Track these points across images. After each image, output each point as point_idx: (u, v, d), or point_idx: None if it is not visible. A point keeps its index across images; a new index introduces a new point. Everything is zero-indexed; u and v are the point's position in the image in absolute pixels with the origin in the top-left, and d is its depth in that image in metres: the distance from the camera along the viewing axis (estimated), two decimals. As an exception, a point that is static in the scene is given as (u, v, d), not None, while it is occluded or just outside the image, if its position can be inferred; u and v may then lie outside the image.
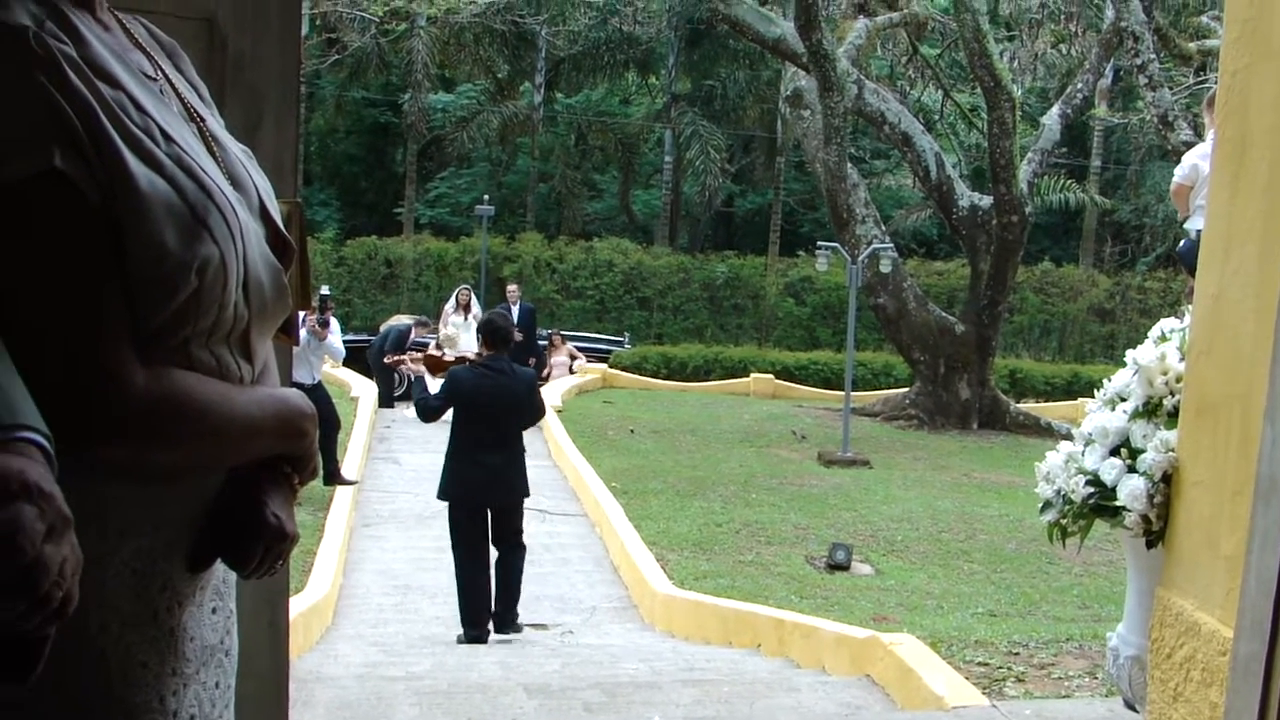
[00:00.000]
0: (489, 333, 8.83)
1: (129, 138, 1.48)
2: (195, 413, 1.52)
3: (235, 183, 1.66)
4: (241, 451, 1.63)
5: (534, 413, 8.97)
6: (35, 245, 1.40)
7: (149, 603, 1.55)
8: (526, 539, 9.53)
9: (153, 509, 1.55)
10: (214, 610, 1.68)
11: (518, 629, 9.30)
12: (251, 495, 1.66)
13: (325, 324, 13.54)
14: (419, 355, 12.11)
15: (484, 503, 8.85)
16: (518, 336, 19.32)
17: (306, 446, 1.73)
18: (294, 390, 1.76)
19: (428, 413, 9.05)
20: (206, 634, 1.65)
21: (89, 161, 1.42)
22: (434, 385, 9.19)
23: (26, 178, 1.37)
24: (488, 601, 9.04)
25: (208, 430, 1.55)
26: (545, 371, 22.49)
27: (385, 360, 20.06)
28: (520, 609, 9.75)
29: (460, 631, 9.10)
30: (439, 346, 20.17)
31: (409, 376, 20.24)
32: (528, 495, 9.11)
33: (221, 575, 1.70)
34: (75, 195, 1.40)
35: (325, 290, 14.32)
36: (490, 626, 9.13)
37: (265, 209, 1.72)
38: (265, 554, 1.67)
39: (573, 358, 23.87)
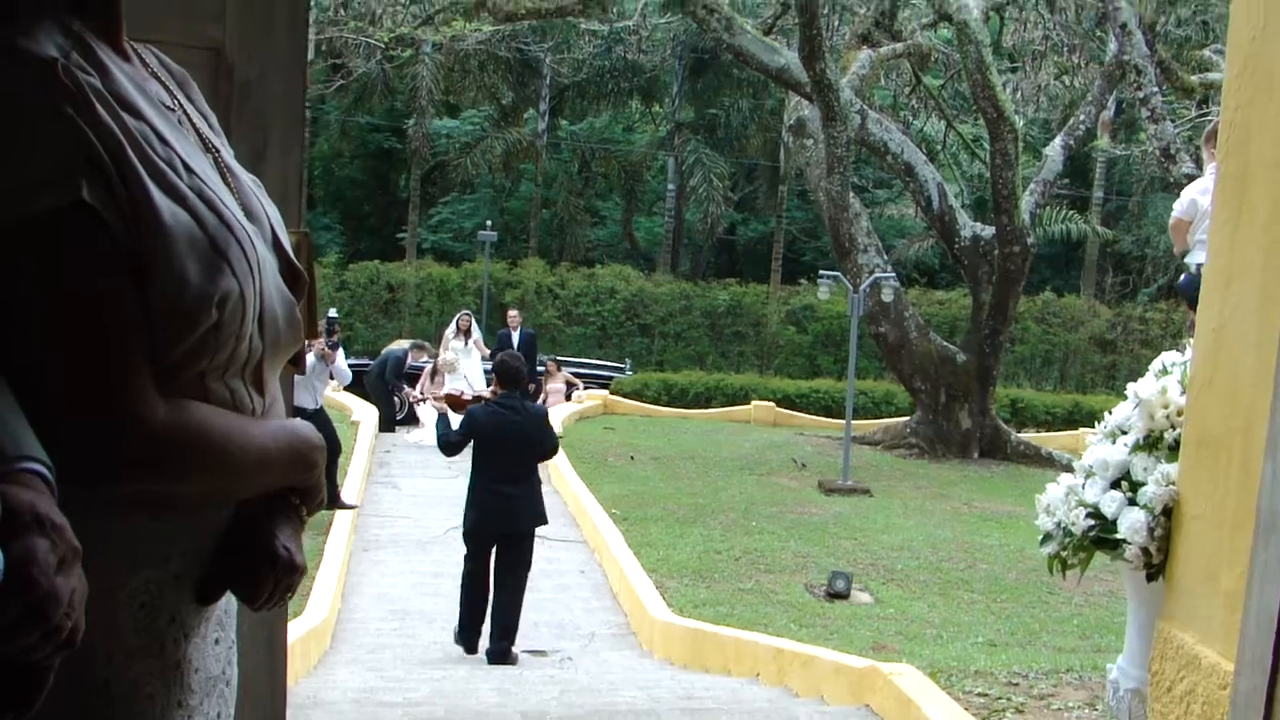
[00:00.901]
0: (502, 373, 9.56)
1: (153, 170, 1.48)
2: (212, 445, 1.52)
3: (249, 214, 1.66)
4: (255, 484, 1.63)
5: (547, 446, 9.63)
6: (59, 277, 1.40)
7: (156, 635, 1.55)
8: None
9: (163, 541, 1.55)
10: (217, 641, 1.68)
11: (513, 660, 9.55)
12: (261, 527, 1.65)
13: (335, 346, 13.43)
14: (441, 394, 12.43)
15: (499, 528, 9.43)
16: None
17: (315, 478, 1.73)
18: (304, 422, 1.76)
19: (449, 447, 9.63)
20: (210, 665, 1.65)
21: (115, 194, 1.42)
22: (456, 421, 10.01)
23: (53, 209, 1.38)
24: (483, 616, 9.59)
25: (224, 463, 1.55)
26: (542, 398, 22.48)
27: (412, 399, 20.06)
28: (519, 635, 9.93)
29: (456, 632, 9.74)
30: (436, 371, 20.18)
31: (409, 403, 20.26)
32: (544, 523, 9.66)
33: (224, 606, 1.70)
34: (100, 227, 1.41)
35: (333, 313, 14.31)
36: (486, 638, 9.62)
37: (278, 240, 1.72)
38: (275, 586, 1.67)
39: (570, 385, 23.80)
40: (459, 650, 9.69)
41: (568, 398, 23.30)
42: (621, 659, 10.00)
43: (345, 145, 40.32)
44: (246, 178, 1.74)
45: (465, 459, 9.69)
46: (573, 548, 13.36)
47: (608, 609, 11.49)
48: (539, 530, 9.65)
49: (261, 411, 1.65)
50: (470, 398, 10.66)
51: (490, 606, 9.59)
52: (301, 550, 1.71)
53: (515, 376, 9.54)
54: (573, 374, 24.81)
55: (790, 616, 10.47)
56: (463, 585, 9.66)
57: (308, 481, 1.71)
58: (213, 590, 1.62)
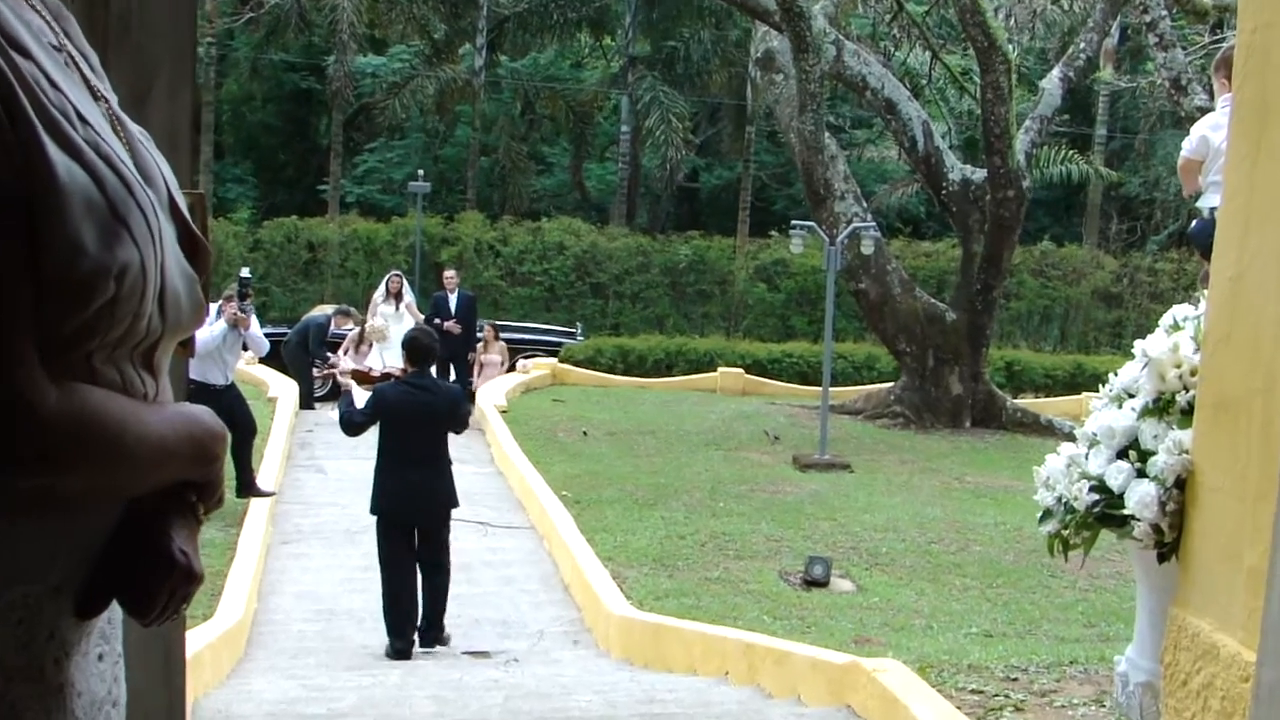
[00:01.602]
0: (412, 350, 10.01)
1: (46, 119, 1.41)
2: (107, 435, 1.46)
3: (145, 175, 1.58)
4: (151, 477, 1.56)
5: (458, 424, 10.09)
6: None
7: (36, 656, 1.48)
8: (466, 555, 10.52)
9: (43, 548, 1.48)
10: (100, 657, 1.62)
11: (444, 642, 10.01)
12: (154, 528, 1.59)
13: (249, 310, 13.26)
14: (349, 369, 12.57)
15: (410, 515, 9.86)
16: (456, 329, 19.33)
17: (216, 471, 1.67)
18: (204, 409, 1.69)
19: (352, 427, 10.07)
20: (94, 686, 1.59)
21: (4, 141, 1.35)
22: (361, 399, 10.50)
23: None
24: (414, 615, 9.92)
25: (119, 455, 1.49)
26: (476, 370, 22.27)
27: (319, 371, 19.97)
28: (459, 634, 10.17)
29: (387, 643, 9.89)
30: (361, 338, 20.09)
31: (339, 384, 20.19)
32: (455, 506, 10.06)
33: (106, 616, 1.64)
34: None
35: (246, 272, 14.09)
36: (416, 640, 9.95)
37: (175, 204, 1.65)
38: (170, 597, 1.61)
39: (509, 365, 23.42)
40: (387, 638, 9.88)
41: (511, 368, 23.16)
42: (574, 659, 10.01)
43: (257, 87, 39.99)
44: (135, 130, 1.67)
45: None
46: (518, 535, 13.34)
47: (558, 603, 11.49)
48: (480, 518, 9.73)
49: (153, 396, 1.59)
50: (379, 375, 10.83)
51: (419, 600, 9.93)
52: (198, 554, 1.65)
53: (426, 353, 9.94)
54: (517, 341, 24.68)
55: (763, 608, 10.50)
56: (384, 588, 9.89)
57: (208, 475, 1.65)
58: (97, 602, 1.55)
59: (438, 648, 9.97)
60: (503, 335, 23.94)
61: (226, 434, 1.69)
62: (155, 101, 2.58)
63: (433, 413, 9.70)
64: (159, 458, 1.55)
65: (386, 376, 10.54)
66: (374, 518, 9.95)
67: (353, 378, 11.32)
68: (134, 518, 1.58)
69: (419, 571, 9.88)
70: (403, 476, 9.66)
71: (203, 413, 1.66)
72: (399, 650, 9.76)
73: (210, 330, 12.40)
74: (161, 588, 1.59)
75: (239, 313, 12.89)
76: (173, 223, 1.62)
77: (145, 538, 1.58)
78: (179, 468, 1.60)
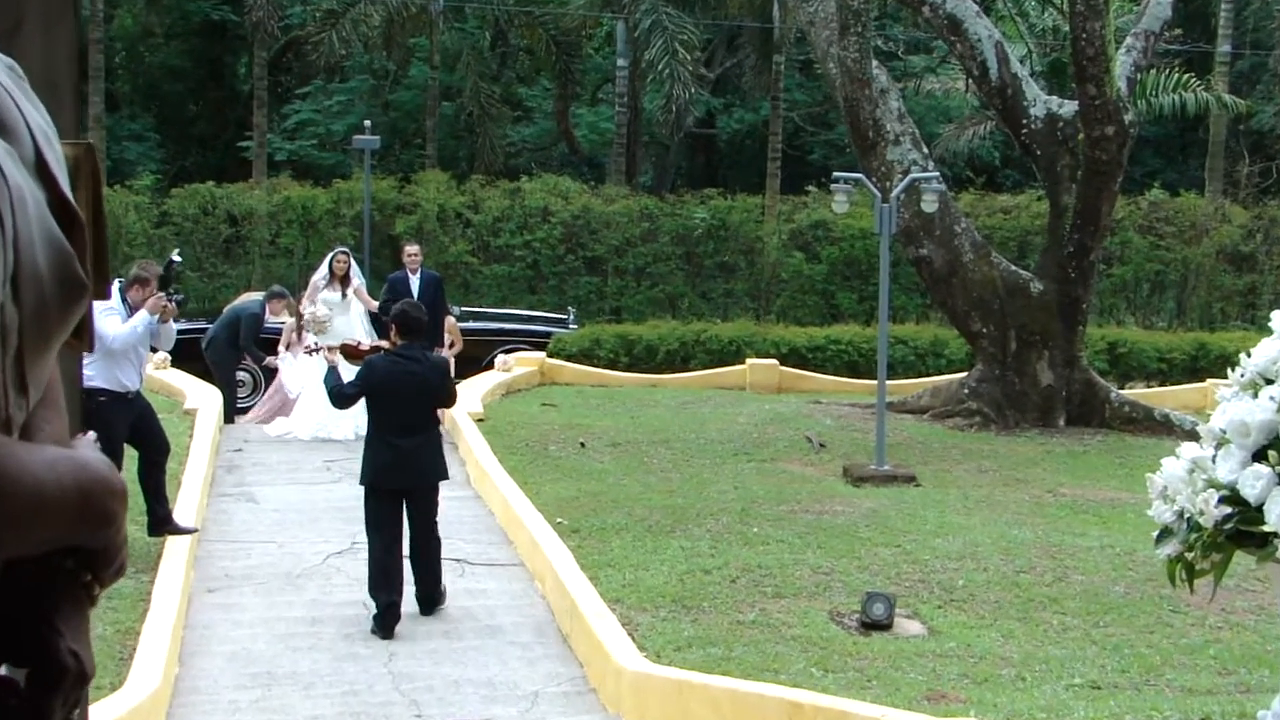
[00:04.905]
0: (402, 323, 12.03)
1: None
2: None
3: None
4: (23, 539, 1.47)
5: (446, 398, 12.56)
6: None
7: None
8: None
9: None
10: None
11: (441, 599, 12.13)
12: (35, 615, 1.53)
13: (183, 300, 13.51)
14: (335, 345, 13.27)
15: (399, 479, 11.87)
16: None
17: (112, 536, 1.58)
18: (98, 454, 1.60)
19: (342, 399, 12.53)
20: None
21: None
22: (348, 372, 12.66)
23: None
24: (399, 577, 11.74)
25: None
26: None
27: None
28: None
29: (374, 610, 11.65)
30: (301, 327, 20.09)
31: (263, 369, 20.32)
32: (445, 478, 12.33)
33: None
34: None
35: (177, 256, 14.52)
36: (415, 597, 11.96)
37: (44, 160, 1.60)
38: (63, 704, 1.55)
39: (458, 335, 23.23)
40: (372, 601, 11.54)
41: (489, 365, 23.12)
42: (577, 728, 10.02)
43: (156, 19, 40.03)
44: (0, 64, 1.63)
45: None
46: (504, 574, 13.35)
47: (555, 657, 11.50)
48: (456, 554, 9.93)
49: (24, 414, 1.55)
50: (368, 348, 13.25)
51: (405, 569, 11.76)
52: (90, 647, 1.59)
53: (416, 327, 12.05)
54: (495, 331, 24.64)
55: (810, 657, 10.50)
56: (370, 552, 11.75)
57: (101, 540, 1.58)
58: None
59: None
60: (477, 324, 23.88)
61: (125, 488, 1.60)
62: (27, 37, 2.56)
63: (422, 384, 11.80)
64: (34, 512, 1.46)
65: (376, 349, 12.99)
66: (340, 555, 11.31)
67: (341, 351, 13.35)
68: (8, 599, 1.51)
69: (410, 549, 11.85)
70: (390, 445, 11.69)
71: (97, 459, 1.58)
72: (387, 606, 11.50)
73: (129, 324, 12.54)
74: (50, 702, 1.54)
75: (167, 303, 12.91)
76: (41, 184, 1.58)
77: (21, 631, 1.52)
78: (61, 529, 1.51)
